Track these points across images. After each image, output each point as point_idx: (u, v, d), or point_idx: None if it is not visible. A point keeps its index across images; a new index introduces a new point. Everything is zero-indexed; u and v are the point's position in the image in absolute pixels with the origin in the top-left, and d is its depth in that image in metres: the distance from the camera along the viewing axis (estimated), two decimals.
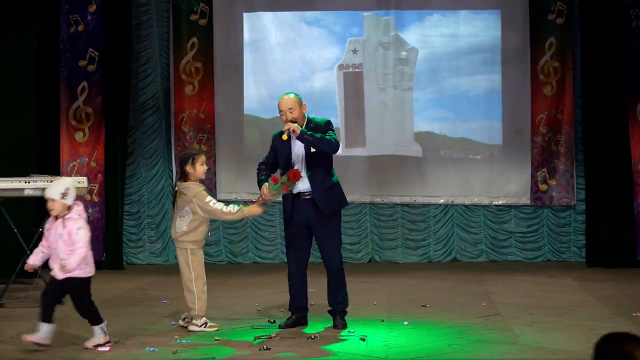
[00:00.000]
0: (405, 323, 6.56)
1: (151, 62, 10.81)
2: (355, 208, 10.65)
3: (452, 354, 5.51)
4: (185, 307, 6.46)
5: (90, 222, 10.08)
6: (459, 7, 10.62)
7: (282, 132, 6.23)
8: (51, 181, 7.77)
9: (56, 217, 5.79)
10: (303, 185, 6.31)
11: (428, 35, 10.67)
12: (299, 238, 6.41)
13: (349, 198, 6.76)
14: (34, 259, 5.89)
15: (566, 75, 10.41)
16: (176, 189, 6.52)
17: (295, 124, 6.19)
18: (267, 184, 6.29)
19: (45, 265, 5.99)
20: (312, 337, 6.05)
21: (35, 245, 6.11)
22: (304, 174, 6.26)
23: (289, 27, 10.77)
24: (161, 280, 9.13)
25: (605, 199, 9.99)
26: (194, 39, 10.63)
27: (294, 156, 6.34)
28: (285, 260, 6.80)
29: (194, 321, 6.38)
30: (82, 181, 8.08)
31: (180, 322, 6.50)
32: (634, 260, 9.85)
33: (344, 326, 6.38)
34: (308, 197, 6.32)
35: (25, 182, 7.71)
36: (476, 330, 6.25)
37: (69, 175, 9.81)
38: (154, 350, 5.68)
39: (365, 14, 10.65)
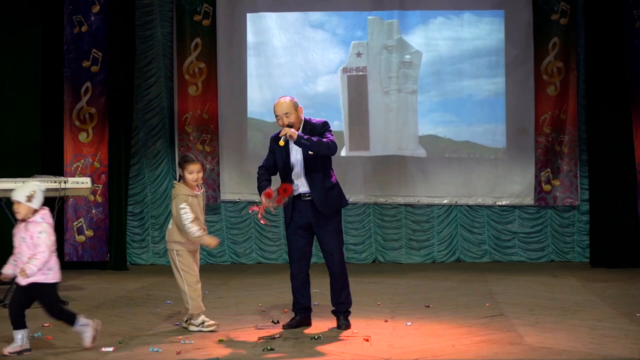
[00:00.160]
0: (409, 323, 6.56)
1: (155, 62, 10.82)
2: (359, 209, 10.64)
3: (456, 355, 5.50)
4: (184, 308, 6.47)
5: (94, 222, 10.14)
6: (463, 8, 10.62)
7: (279, 137, 6.20)
8: (54, 182, 7.80)
9: (22, 221, 5.64)
10: (302, 187, 6.31)
11: (432, 38, 10.67)
12: (300, 238, 6.40)
13: (352, 199, 6.76)
14: (8, 268, 5.69)
15: (570, 75, 10.40)
16: None
17: (292, 129, 6.17)
18: (262, 197, 6.27)
19: None
20: (316, 337, 6.04)
21: None
22: (302, 176, 6.26)
23: (292, 30, 10.78)
24: (165, 281, 9.12)
25: (609, 200, 9.98)
26: (198, 40, 10.65)
27: (292, 160, 6.34)
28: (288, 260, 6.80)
29: (192, 321, 6.40)
30: (85, 182, 8.10)
31: (183, 324, 6.50)
32: (638, 260, 9.84)
33: (348, 326, 6.38)
34: (308, 198, 6.31)
35: None
36: (480, 331, 6.25)
37: (72, 175, 9.82)
38: (157, 351, 5.68)
39: (369, 17, 10.65)
